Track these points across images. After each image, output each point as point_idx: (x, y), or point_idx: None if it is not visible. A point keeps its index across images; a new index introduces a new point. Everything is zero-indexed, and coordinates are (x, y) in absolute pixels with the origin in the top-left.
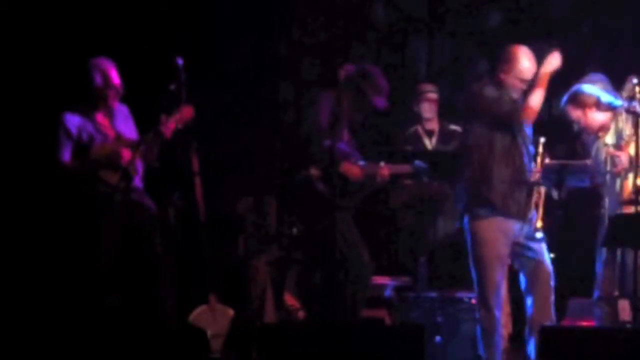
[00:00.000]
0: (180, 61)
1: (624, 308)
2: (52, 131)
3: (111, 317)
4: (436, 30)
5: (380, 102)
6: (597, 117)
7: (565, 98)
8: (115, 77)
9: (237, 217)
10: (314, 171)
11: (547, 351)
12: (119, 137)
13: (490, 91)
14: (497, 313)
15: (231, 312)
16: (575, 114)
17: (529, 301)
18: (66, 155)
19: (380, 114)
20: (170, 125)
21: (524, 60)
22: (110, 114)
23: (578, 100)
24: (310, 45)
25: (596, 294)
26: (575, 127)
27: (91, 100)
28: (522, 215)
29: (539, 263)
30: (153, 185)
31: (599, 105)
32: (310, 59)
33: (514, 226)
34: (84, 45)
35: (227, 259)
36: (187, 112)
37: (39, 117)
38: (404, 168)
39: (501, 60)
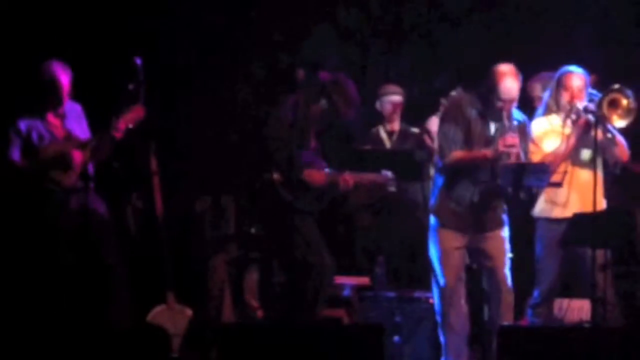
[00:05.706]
0: (138, 61)
1: (582, 307)
2: (3, 130)
3: (65, 317)
4: None
5: (349, 114)
6: None
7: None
8: (64, 79)
9: (196, 217)
10: (275, 176)
11: (506, 351)
12: (68, 137)
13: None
14: None
15: (189, 311)
16: None
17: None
18: (15, 153)
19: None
20: (120, 125)
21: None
22: (61, 114)
23: None
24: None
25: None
26: None
27: (42, 99)
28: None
29: (497, 264)
30: (112, 185)
31: None
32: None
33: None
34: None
35: (185, 258)
36: (137, 111)
37: None
38: (370, 177)
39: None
